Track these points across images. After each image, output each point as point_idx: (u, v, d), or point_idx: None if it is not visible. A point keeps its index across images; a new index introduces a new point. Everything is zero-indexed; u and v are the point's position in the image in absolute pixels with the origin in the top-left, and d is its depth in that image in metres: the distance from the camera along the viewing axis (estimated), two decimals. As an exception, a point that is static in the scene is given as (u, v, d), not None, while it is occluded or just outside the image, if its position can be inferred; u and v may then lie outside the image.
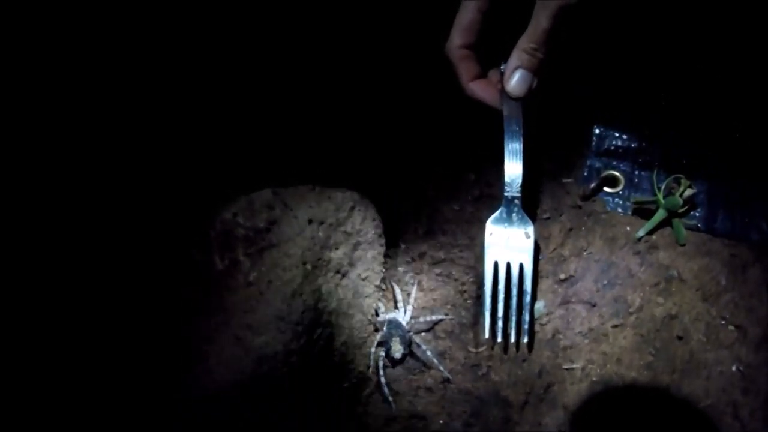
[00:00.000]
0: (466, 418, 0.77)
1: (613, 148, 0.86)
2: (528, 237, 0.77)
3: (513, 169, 0.75)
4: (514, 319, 0.76)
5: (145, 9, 0.88)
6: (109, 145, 0.85)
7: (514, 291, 0.76)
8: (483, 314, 0.76)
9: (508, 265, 0.76)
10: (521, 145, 0.74)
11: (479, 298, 0.81)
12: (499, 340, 0.77)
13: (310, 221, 0.73)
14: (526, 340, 0.77)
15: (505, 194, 0.76)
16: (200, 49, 0.90)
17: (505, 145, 0.75)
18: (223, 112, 0.89)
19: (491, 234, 0.77)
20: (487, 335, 0.76)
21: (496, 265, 0.76)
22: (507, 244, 0.77)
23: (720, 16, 0.86)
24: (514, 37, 0.72)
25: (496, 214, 0.77)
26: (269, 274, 0.69)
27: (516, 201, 0.76)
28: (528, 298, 0.76)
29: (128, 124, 0.87)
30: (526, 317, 0.77)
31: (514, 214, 0.77)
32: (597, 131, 0.87)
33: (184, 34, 0.90)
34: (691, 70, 0.87)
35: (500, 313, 0.76)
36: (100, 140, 0.85)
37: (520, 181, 0.75)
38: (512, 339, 0.77)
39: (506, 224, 0.77)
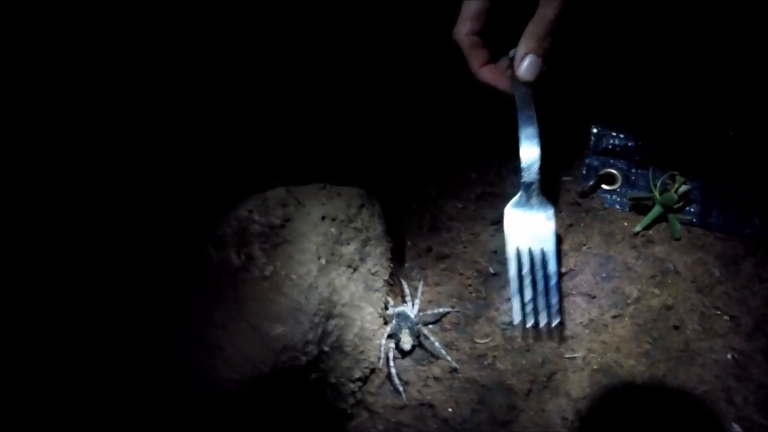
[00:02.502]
0: (473, 406, 0.80)
1: (610, 146, 0.90)
2: (549, 219, 0.76)
3: (530, 153, 0.74)
4: (542, 302, 0.76)
5: (167, 10, 0.91)
6: (129, 149, 0.88)
7: (540, 274, 0.76)
8: (512, 300, 0.76)
9: (532, 249, 0.76)
10: (536, 129, 0.74)
11: (484, 291, 0.85)
12: (529, 324, 0.76)
13: (323, 218, 0.75)
14: (557, 321, 0.77)
15: (523, 180, 0.76)
16: (214, 54, 0.93)
17: (520, 130, 0.74)
18: (234, 114, 0.92)
19: (511, 220, 0.76)
20: (516, 321, 0.76)
21: (519, 250, 0.76)
22: (528, 228, 0.76)
23: (714, 17, 0.90)
24: (521, 23, 0.73)
25: (515, 199, 0.77)
26: (285, 268, 0.72)
27: (534, 186, 0.76)
28: (554, 280, 0.76)
29: (145, 129, 0.89)
30: (555, 299, 0.76)
31: (533, 199, 0.76)
32: (595, 131, 0.90)
33: (200, 40, 0.93)
34: (687, 70, 0.90)
35: (528, 297, 0.76)
36: (121, 144, 0.88)
37: (538, 165, 0.75)
38: (542, 323, 0.77)
39: (526, 209, 0.77)
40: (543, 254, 0.76)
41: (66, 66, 0.88)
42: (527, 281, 0.76)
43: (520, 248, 0.77)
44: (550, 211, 0.77)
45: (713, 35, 0.90)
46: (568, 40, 0.75)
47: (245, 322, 0.72)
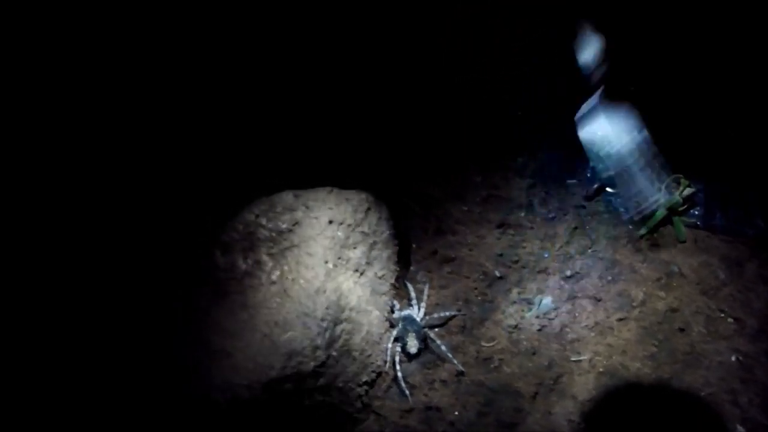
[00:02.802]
0: (480, 409, 0.80)
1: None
2: (631, 110, 0.77)
3: (590, 54, 0.77)
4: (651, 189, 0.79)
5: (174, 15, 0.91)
6: (135, 152, 0.88)
7: (639, 166, 0.78)
8: (616, 197, 0.79)
9: (621, 147, 0.77)
10: (597, 32, 0.76)
11: (489, 294, 0.85)
12: (638, 218, 0.79)
13: (330, 222, 0.76)
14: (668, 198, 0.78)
15: (592, 85, 0.76)
16: (222, 59, 0.93)
17: (578, 38, 0.77)
18: (240, 118, 0.93)
19: (591, 130, 0.77)
20: (630, 213, 0.80)
21: (609, 152, 0.77)
22: (612, 129, 0.77)
23: (716, 21, 0.90)
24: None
25: (587, 108, 0.77)
26: (293, 273, 0.72)
27: (601, 90, 0.76)
28: (650, 169, 0.78)
29: (152, 132, 0.89)
30: (658, 183, 0.79)
31: (604, 105, 0.77)
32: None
33: (208, 45, 0.93)
34: (689, 73, 0.90)
35: (634, 190, 0.79)
36: (128, 147, 0.88)
37: (604, 67, 0.76)
38: (650, 208, 0.79)
39: (600, 115, 0.77)
40: (631, 149, 0.77)
41: (73, 70, 0.88)
42: (625, 177, 0.78)
43: (609, 150, 0.77)
44: (628, 105, 0.77)
45: (714, 39, 0.90)
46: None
47: (254, 327, 0.72)
